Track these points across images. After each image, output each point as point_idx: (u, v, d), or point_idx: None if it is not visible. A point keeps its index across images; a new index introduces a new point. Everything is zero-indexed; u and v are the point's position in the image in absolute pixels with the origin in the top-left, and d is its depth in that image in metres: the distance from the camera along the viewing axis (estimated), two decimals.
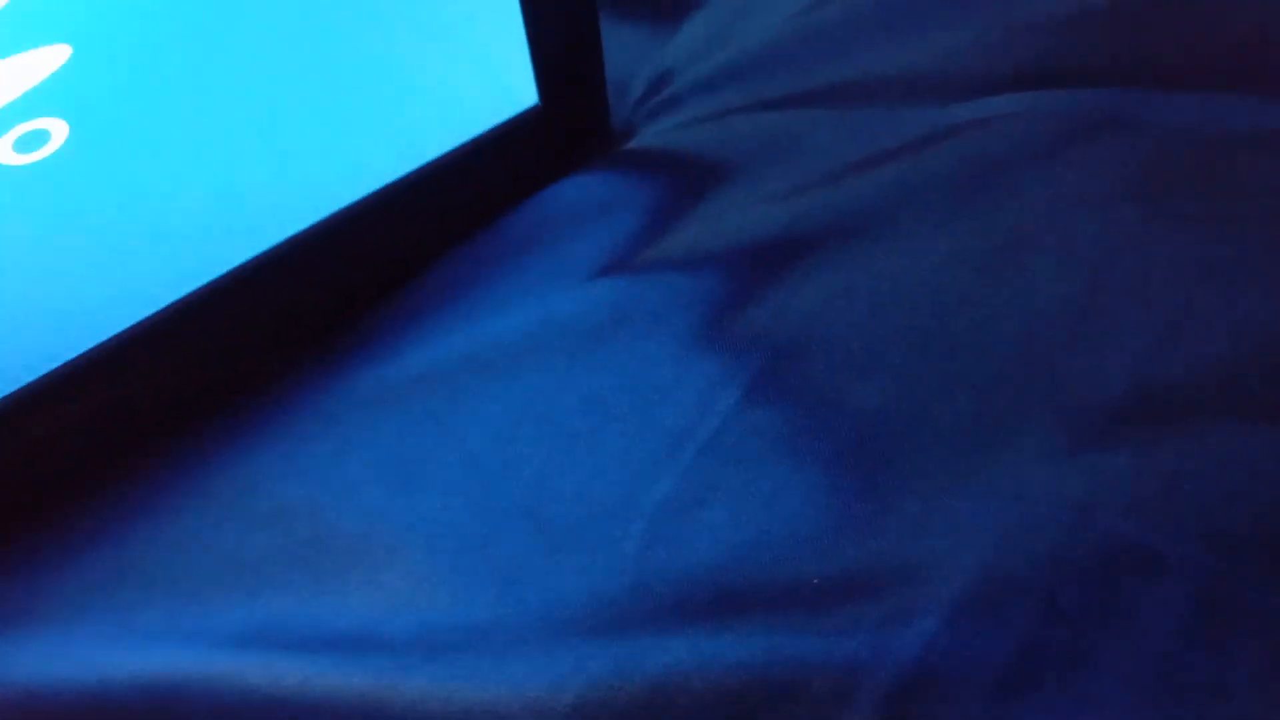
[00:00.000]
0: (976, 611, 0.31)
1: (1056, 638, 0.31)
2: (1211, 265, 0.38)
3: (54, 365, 0.37)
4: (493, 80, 0.43)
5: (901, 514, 0.34)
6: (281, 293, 0.41)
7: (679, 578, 0.34)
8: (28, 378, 0.37)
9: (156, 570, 0.36)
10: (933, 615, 0.31)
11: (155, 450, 0.39)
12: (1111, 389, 0.35)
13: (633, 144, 0.47)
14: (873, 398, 0.37)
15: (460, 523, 0.36)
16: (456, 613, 0.34)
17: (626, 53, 0.51)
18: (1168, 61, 0.44)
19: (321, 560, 0.36)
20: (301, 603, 0.35)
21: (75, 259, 0.36)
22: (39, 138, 0.33)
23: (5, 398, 0.37)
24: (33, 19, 0.31)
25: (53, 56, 0.32)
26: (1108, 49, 0.45)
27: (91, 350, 0.38)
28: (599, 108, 0.48)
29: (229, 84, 0.36)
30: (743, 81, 0.47)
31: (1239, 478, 0.33)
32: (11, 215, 0.34)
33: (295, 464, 0.38)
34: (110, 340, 0.38)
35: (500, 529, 0.35)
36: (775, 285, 0.40)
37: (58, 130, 0.33)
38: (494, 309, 0.41)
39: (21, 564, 0.37)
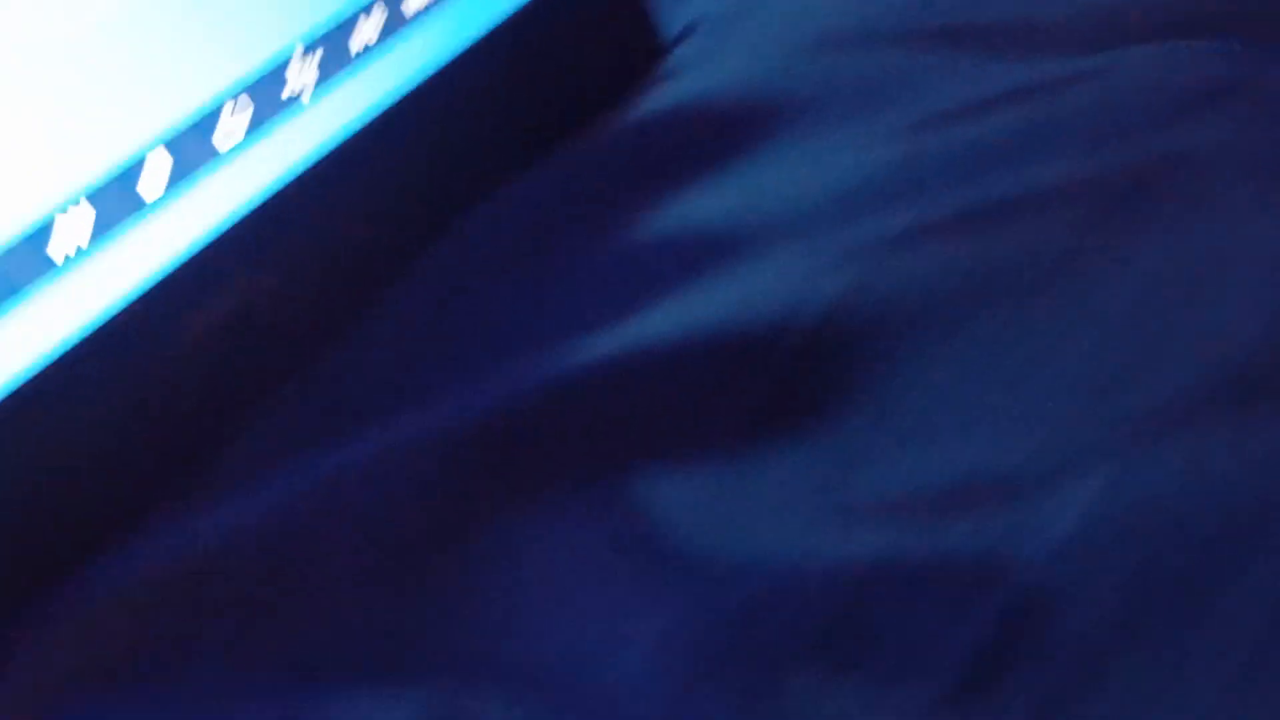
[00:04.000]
0: (1103, 534, 0.30)
1: (1178, 576, 0.30)
2: None
3: None
4: None
5: (1029, 436, 0.33)
6: None
7: (783, 480, 0.33)
8: None
9: None
10: (1057, 531, 0.30)
11: None
12: (1241, 346, 0.34)
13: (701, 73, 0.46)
14: (993, 329, 0.36)
15: None
16: None
17: None
18: None
19: None
20: None
21: None
22: None
23: None
24: None
25: None
26: (1242, 4, 0.44)
27: None
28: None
29: None
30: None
31: None
32: None
33: None
34: None
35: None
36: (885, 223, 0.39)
37: None
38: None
39: None
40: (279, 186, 0.39)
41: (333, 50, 0.40)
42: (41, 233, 0.34)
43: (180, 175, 0.36)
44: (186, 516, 0.36)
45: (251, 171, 0.38)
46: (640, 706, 0.30)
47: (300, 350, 0.40)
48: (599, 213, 0.43)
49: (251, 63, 0.38)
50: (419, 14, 0.42)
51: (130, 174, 0.35)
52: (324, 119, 0.40)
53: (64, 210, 0.34)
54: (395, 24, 0.41)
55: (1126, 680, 0.28)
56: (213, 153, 0.37)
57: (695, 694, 0.30)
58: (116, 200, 0.35)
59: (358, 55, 0.40)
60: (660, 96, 0.46)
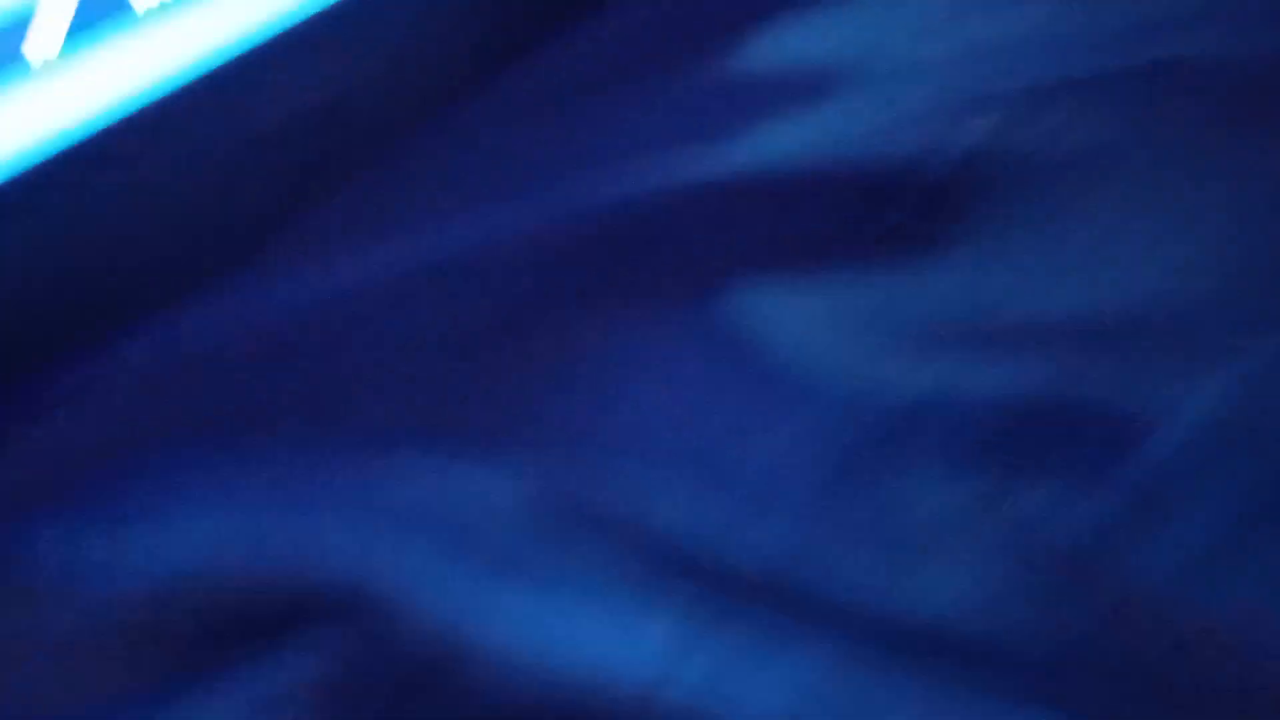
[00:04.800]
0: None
1: None
2: None
3: None
4: None
5: (1193, 288, 0.30)
6: None
7: (916, 305, 0.31)
8: None
9: None
10: (1217, 376, 0.28)
11: None
12: None
13: None
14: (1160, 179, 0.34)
15: None
16: None
17: None
18: None
19: None
20: None
21: None
22: None
23: None
24: None
25: None
26: None
27: None
28: None
29: None
30: None
31: None
32: None
33: None
34: None
35: None
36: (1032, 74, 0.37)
37: None
38: None
39: None
40: None
41: None
42: None
43: None
44: (259, 284, 0.33)
45: None
46: (775, 503, 0.27)
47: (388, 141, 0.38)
48: (705, 38, 0.40)
49: None
50: None
51: None
52: None
53: None
54: None
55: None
56: None
57: (836, 495, 0.27)
58: None
59: None
60: None
